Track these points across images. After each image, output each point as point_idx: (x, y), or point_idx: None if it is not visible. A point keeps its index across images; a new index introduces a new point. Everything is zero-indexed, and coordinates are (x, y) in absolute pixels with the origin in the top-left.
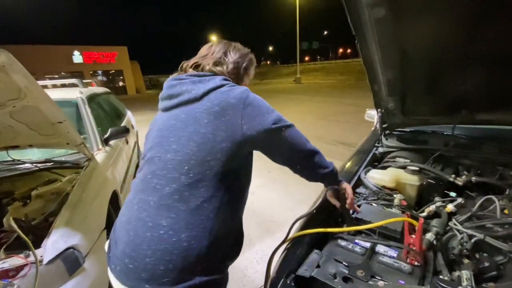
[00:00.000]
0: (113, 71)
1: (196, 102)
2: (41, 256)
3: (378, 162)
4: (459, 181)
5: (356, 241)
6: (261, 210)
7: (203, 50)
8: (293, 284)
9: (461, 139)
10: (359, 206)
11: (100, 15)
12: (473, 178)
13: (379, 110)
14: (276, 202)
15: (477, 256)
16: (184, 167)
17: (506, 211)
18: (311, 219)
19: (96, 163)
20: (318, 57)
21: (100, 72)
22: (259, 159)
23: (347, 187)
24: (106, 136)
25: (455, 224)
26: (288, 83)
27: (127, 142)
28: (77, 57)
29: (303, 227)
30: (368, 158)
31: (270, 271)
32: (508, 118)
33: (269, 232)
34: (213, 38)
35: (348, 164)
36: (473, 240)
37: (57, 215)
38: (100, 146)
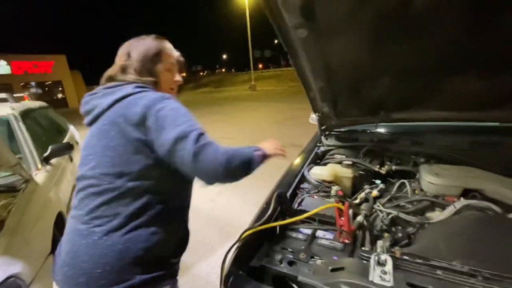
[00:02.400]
0: (49, 82)
1: (104, 115)
2: None
3: (320, 159)
4: (382, 170)
5: (300, 229)
6: (222, 216)
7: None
8: (246, 274)
9: (383, 135)
10: (302, 200)
11: (37, 21)
12: (393, 167)
13: (317, 114)
14: (236, 207)
15: (393, 229)
16: (106, 181)
17: (416, 192)
18: (260, 218)
19: (36, 185)
20: (270, 64)
21: (33, 83)
22: None
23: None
24: (46, 154)
25: (378, 206)
26: (244, 90)
27: (71, 160)
28: (4, 68)
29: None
30: (311, 157)
31: (224, 269)
32: (416, 116)
33: (230, 237)
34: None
35: (295, 163)
36: (389, 217)
37: None
38: (40, 166)
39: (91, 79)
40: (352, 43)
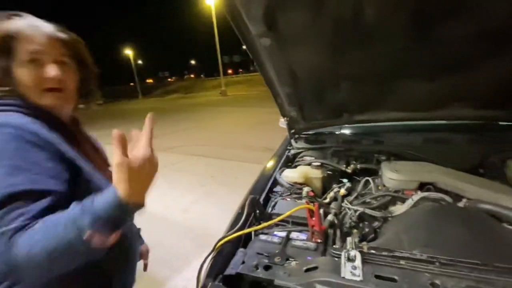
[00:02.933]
0: None
1: None
2: None
3: (291, 162)
4: (349, 169)
5: (275, 233)
6: (196, 226)
7: None
8: (221, 284)
9: (348, 136)
10: (276, 203)
11: None
12: (358, 165)
13: (285, 118)
14: (211, 216)
15: (361, 225)
16: None
17: (379, 188)
18: (235, 225)
19: None
20: (240, 70)
21: None
22: (192, 173)
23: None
24: None
25: (346, 204)
26: (214, 96)
27: None
28: None
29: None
30: (282, 160)
31: (200, 281)
32: (375, 117)
33: (205, 247)
34: (128, 52)
35: (267, 167)
36: (357, 214)
37: None
38: None
39: None
40: (312, 51)
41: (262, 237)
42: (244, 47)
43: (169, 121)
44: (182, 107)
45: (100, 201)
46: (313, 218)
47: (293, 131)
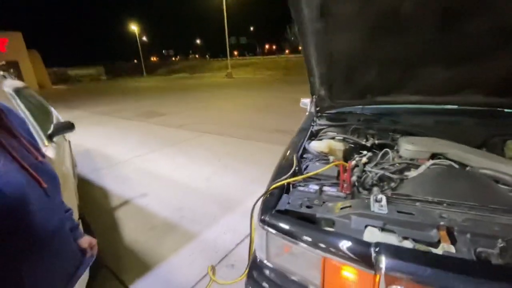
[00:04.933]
0: (3, 62)
1: None
2: None
3: (314, 136)
4: (368, 143)
5: (310, 185)
6: (219, 192)
7: None
8: (276, 214)
9: (367, 116)
10: (307, 166)
11: None
12: (376, 141)
13: (314, 96)
14: (230, 185)
15: (380, 184)
16: None
17: (395, 159)
18: (278, 177)
19: (50, 159)
20: (246, 52)
21: None
22: (207, 149)
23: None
24: (49, 132)
25: (367, 169)
26: (220, 77)
27: (65, 140)
28: None
29: (271, 184)
30: (308, 134)
31: (253, 218)
32: (396, 99)
33: (229, 209)
34: (133, 28)
35: (294, 140)
36: (377, 175)
37: None
38: (46, 143)
39: (51, 60)
40: (353, 37)
41: (300, 188)
42: (253, 28)
43: (177, 100)
44: (189, 87)
45: None
46: (345, 174)
47: (318, 109)
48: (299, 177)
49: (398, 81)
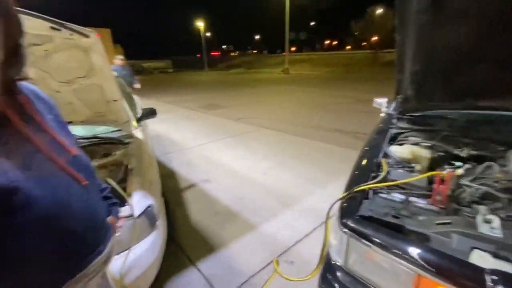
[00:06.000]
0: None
1: None
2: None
3: (392, 140)
4: (463, 154)
5: (393, 194)
6: (276, 187)
7: None
8: (359, 219)
9: (461, 122)
10: (389, 171)
11: None
12: (473, 151)
13: (399, 96)
14: (288, 181)
15: (484, 202)
16: None
17: (498, 175)
18: (356, 180)
19: (138, 139)
20: (304, 48)
21: None
22: (264, 143)
23: None
24: (139, 116)
25: (466, 183)
26: (277, 73)
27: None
28: None
29: (349, 188)
30: (387, 136)
31: (328, 221)
32: (503, 105)
33: (287, 205)
34: (199, 24)
35: (372, 142)
36: (478, 191)
37: (125, 182)
38: (135, 125)
39: (132, 55)
40: (463, 31)
41: (382, 195)
42: (314, 22)
43: (234, 94)
44: (245, 81)
45: None
46: (441, 186)
47: (400, 110)
48: (387, 183)
49: (508, 85)
